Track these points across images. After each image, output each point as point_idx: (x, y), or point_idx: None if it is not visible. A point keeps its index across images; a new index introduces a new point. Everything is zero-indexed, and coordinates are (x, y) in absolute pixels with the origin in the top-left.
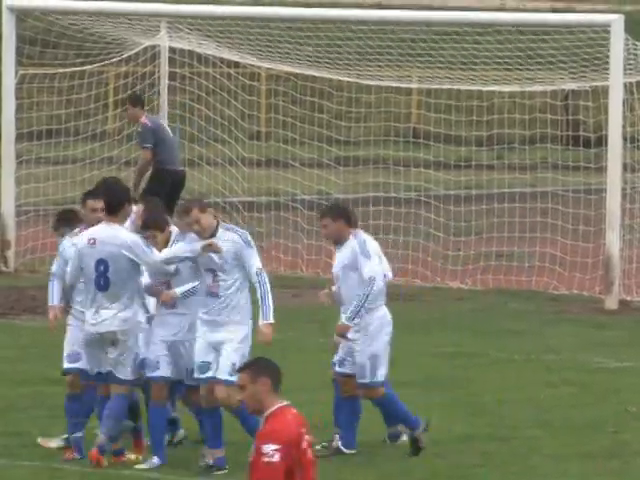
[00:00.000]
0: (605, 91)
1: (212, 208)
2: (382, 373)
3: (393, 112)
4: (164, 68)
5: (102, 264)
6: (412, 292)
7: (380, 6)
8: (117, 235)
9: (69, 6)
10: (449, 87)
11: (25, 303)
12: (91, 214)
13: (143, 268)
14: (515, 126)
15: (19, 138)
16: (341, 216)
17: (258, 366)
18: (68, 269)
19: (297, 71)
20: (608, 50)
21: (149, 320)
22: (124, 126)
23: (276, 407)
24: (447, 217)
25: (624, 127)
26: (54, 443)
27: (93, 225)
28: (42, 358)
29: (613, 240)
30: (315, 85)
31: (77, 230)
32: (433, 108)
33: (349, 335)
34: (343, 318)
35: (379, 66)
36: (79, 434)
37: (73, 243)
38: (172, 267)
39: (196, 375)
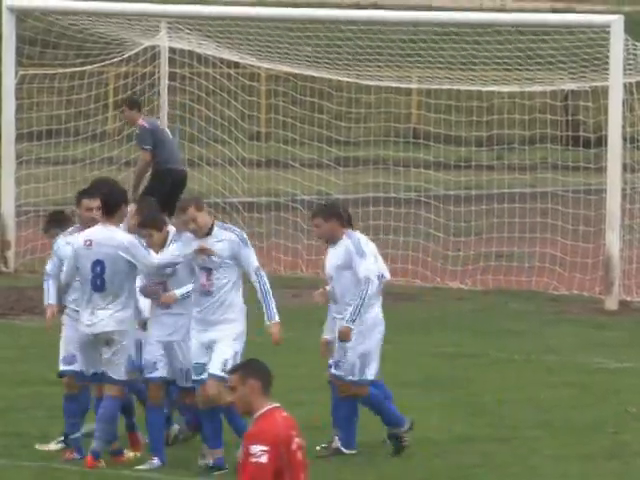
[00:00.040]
0: (605, 91)
1: (208, 207)
2: (372, 372)
3: (393, 112)
4: (164, 68)
5: (98, 265)
6: (412, 292)
7: (380, 6)
8: (113, 236)
9: (69, 6)
10: (449, 87)
11: (25, 303)
12: (86, 213)
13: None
14: (515, 126)
15: (19, 138)
16: (333, 216)
17: (248, 368)
18: (64, 268)
19: (297, 71)
20: (608, 50)
21: (144, 324)
22: (124, 126)
23: (266, 409)
24: (447, 217)
25: (624, 127)
26: (53, 446)
27: (87, 224)
28: (42, 358)
29: (613, 240)
30: (315, 85)
31: (72, 229)
32: (433, 108)
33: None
34: (343, 321)
35: (379, 66)
36: (78, 434)
37: (67, 242)
38: (168, 270)
39: (193, 377)
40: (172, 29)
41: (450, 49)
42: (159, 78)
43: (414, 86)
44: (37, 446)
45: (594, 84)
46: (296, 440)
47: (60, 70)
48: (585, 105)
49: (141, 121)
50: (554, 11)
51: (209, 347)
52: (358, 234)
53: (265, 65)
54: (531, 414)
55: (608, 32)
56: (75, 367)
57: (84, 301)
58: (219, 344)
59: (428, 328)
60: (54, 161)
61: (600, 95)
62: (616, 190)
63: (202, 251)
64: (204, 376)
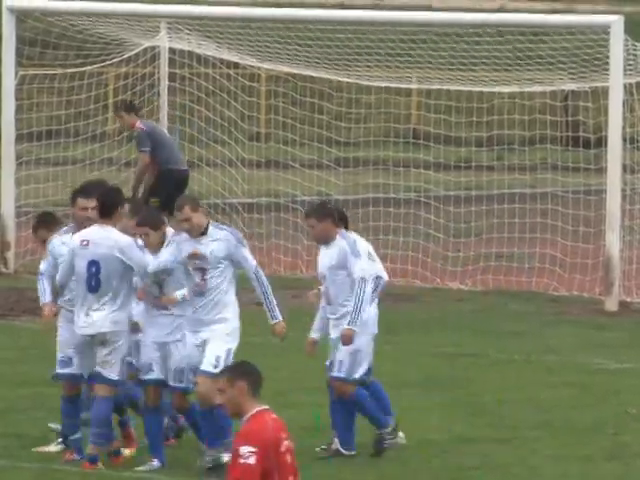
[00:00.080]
0: (605, 92)
1: (204, 208)
2: (360, 372)
3: (393, 113)
4: (164, 69)
5: (94, 265)
6: (412, 293)
7: (380, 7)
8: (110, 237)
9: (69, 7)
10: (449, 88)
11: (25, 304)
12: (81, 212)
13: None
14: (515, 127)
15: (19, 139)
16: (327, 216)
17: (236, 370)
18: (60, 269)
19: (297, 72)
20: (608, 51)
21: (135, 328)
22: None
23: (255, 410)
24: (447, 218)
25: (624, 128)
26: (52, 447)
27: (82, 223)
28: (42, 359)
29: (613, 241)
30: (315, 86)
31: (66, 228)
32: (433, 109)
33: (333, 335)
34: (344, 324)
35: (379, 67)
36: (78, 435)
37: (63, 242)
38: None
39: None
40: (172, 30)
41: (450, 49)
42: (159, 79)
43: (414, 86)
44: (34, 449)
45: (594, 85)
46: (285, 443)
47: (60, 71)
48: (585, 106)
49: (139, 124)
50: (554, 12)
51: (203, 348)
52: (352, 234)
53: (265, 66)
54: (531, 414)
55: (608, 33)
56: (72, 370)
57: (79, 301)
58: (212, 342)
59: (428, 328)
60: (54, 162)
61: (600, 96)
62: (616, 191)
63: (194, 256)
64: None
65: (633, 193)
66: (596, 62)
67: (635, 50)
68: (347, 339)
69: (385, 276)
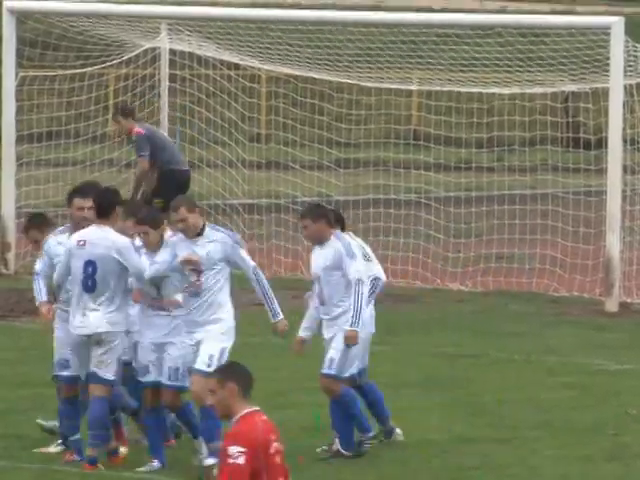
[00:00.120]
0: (605, 93)
1: (200, 209)
2: (350, 371)
3: (393, 114)
4: (164, 70)
5: (90, 265)
6: (412, 294)
7: (380, 8)
8: (107, 237)
9: (69, 8)
10: (449, 89)
11: (25, 305)
12: (77, 212)
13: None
14: (515, 128)
15: (19, 140)
16: (322, 216)
17: (226, 371)
18: (57, 269)
19: (297, 73)
20: (608, 52)
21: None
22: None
23: (245, 412)
24: (447, 219)
25: (624, 129)
26: (52, 448)
27: (79, 223)
28: (42, 360)
29: (613, 242)
30: (315, 87)
31: (62, 228)
32: (433, 110)
33: (326, 336)
34: (339, 324)
35: (379, 68)
36: (77, 436)
37: (59, 242)
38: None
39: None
40: (172, 31)
41: (450, 51)
42: (159, 80)
43: (414, 88)
44: (35, 450)
45: (594, 86)
46: (274, 444)
47: (60, 72)
48: (585, 107)
49: (137, 128)
50: (554, 13)
51: (197, 348)
52: (347, 236)
53: (265, 67)
54: (531, 415)
55: (608, 34)
56: (69, 372)
57: (75, 301)
58: (206, 341)
59: (428, 329)
60: (54, 163)
61: (600, 97)
62: (616, 192)
63: (187, 262)
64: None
65: (633, 194)
66: (596, 63)
67: (635, 51)
68: (352, 340)
69: (383, 277)
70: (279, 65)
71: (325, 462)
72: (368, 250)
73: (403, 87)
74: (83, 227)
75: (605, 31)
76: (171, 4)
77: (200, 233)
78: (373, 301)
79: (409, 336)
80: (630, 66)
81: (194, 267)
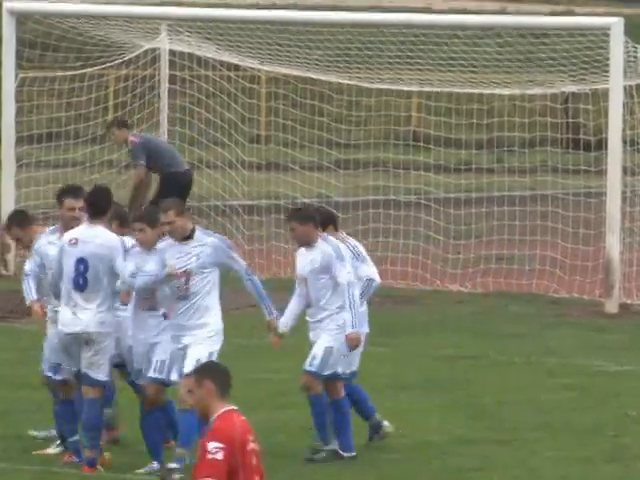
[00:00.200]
0: (605, 94)
1: (189, 213)
2: (331, 371)
3: (393, 115)
4: (164, 71)
5: (82, 263)
6: (412, 295)
7: (380, 9)
8: (99, 235)
9: (69, 9)
10: (449, 90)
11: (25, 306)
12: (68, 213)
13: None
14: (515, 129)
15: (19, 141)
16: (309, 219)
17: (204, 371)
18: (53, 268)
19: (297, 74)
20: (608, 53)
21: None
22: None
23: (223, 410)
24: (447, 220)
25: (624, 130)
26: (52, 450)
27: (69, 224)
28: (42, 361)
29: (613, 243)
30: (315, 88)
31: (53, 228)
32: (433, 111)
33: (312, 337)
34: (347, 329)
35: (379, 69)
36: (76, 437)
37: (49, 241)
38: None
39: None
40: (172, 32)
41: (450, 52)
42: (159, 81)
43: (414, 89)
44: (34, 453)
45: (594, 87)
46: (251, 445)
47: (60, 73)
48: (585, 108)
49: (131, 138)
50: (554, 14)
51: (185, 352)
52: (334, 238)
53: (265, 68)
54: (531, 416)
55: (608, 35)
56: (62, 376)
57: (64, 300)
58: (193, 345)
59: (428, 330)
60: (54, 164)
61: (600, 98)
62: (616, 193)
63: (172, 276)
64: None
65: (633, 195)
66: (596, 64)
67: (635, 52)
68: (355, 341)
69: (377, 279)
70: (279, 66)
71: (325, 462)
72: (362, 250)
73: (403, 88)
74: (73, 227)
75: (605, 32)
76: (171, 5)
77: (190, 236)
78: (366, 302)
79: (409, 337)
80: (630, 67)
81: (178, 280)
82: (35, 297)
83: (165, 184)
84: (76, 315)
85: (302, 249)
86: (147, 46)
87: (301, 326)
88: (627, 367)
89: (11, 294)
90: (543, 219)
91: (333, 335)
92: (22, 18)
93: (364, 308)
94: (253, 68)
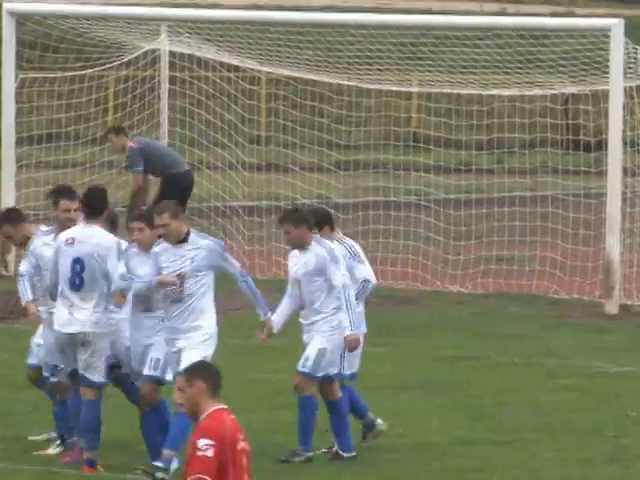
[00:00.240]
0: (605, 95)
1: (185, 216)
2: (325, 374)
3: (393, 116)
4: (164, 72)
5: (78, 263)
6: (412, 296)
7: (380, 10)
8: (95, 235)
9: (69, 10)
10: (449, 91)
11: (21, 307)
12: (63, 214)
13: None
14: (515, 130)
15: (19, 142)
16: (303, 221)
17: (195, 370)
18: (49, 268)
19: (297, 75)
20: (608, 54)
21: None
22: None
23: (213, 409)
24: (447, 221)
25: (624, 131)
26: (52, 450)
27: (64, 225)
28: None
29: (613, 244)
30: (315, 89)
31: (48, 229)
32: (433, 112)
33: (305, 337)
34: (345, 331)
35: (379, 70)
36: (75, 437)
37: (45, 242)
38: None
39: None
40: (172, 33)
41: (450, 53)
42: (159, 82)
43: (414, 90)
44: (34, 453)
45: (594, 88)
46: (242, 444)
47: (60, 74)
48: (585, 109)
49: (129, 143)
50: (554, 15)
51: (179, 355)
52: (328, 240)
53: (265, 69)
54: (531, 417)
55: (608, 36)
56: (58, 378)
57: (60, 300)
58: (188, 349)
59: (428, 331)
60: (54, 165)
61: (600, 99)
62: (616, 194)
63: (163, 285)
64: None
65: (633, 196)
66: (596, 65)
67: (635, 53)
68: (354, 342)
69: (373, 280)
70: (279, 67)
71: (324, 462)
72: (359, 250)
73: (403, 89)
74: (68, 228)
75: (605, 33)
76: (171, 6)
77: (185, 239)
78: (362, 303)
79: (409, 338)
80: (630, 68)
81: (170, 286)
82: (31, 297)
83: (166, 185)
84: (72, 315)
85: (295, 251)
86: (147, 47)
87: (300, 326)
88: (627, 368)
89: (11, 295)
90: (543, 220)
91: (326, 337)
92: (22, 19)
93: (361, 308)
94: (253, 69)
